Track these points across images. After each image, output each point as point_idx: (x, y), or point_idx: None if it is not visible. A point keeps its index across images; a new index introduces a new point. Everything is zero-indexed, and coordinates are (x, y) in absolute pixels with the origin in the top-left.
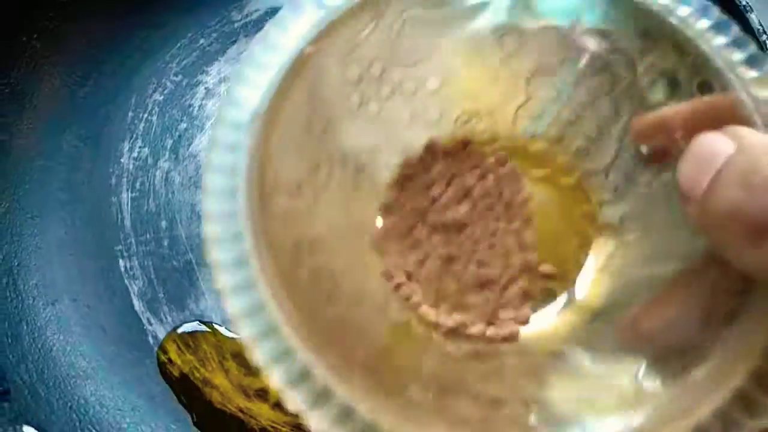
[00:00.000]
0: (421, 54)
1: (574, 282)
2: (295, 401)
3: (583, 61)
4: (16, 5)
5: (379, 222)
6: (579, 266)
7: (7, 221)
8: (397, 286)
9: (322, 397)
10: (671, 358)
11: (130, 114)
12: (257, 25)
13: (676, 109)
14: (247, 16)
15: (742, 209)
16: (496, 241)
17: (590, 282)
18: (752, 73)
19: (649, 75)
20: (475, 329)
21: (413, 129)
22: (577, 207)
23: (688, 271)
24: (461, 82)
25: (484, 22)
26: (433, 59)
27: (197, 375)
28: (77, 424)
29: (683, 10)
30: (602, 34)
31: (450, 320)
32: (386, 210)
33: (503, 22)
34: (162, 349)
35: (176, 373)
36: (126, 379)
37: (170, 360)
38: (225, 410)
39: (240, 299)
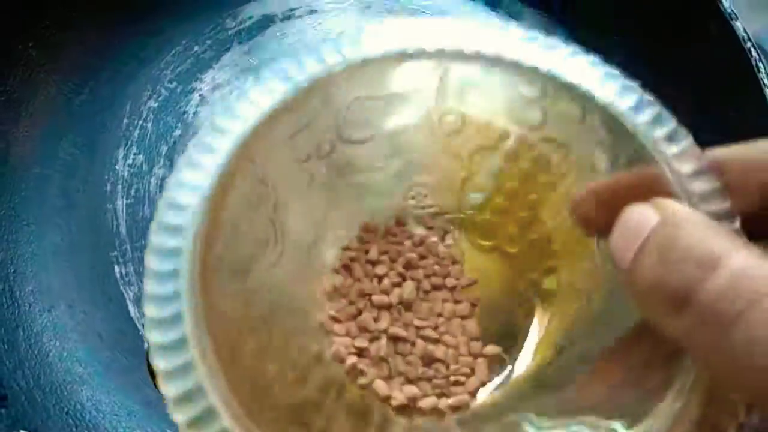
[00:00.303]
0: (369, 132)
1: (520, 351)
2: None
3: (520, 138)
4: (12, 14)
5: (327, 305)
6: (524, 335)
7: (3, 228)
8: (352, 367)
9: None
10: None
11: (125, 121)
12: (251, 32)
13: (606, 183)
14: (240, 23)
15: (661, 282)
16: (443, 323)
17: (535, 351)
18: (672, 149)
19: (583, 149)
20: (427, 402)
21: (364, 203)
22: (522, 276)
23: (626, 339)
24: (408, 158)
25: (427, 101)
26: (380, 137)
27: None
28: (74, 429)
29: (608, 91)
30: (539, 106)
31: (402, 394)
32: (331, 295)
33: (444, 105)
34: None
35: None
36: (122, 384)
37: None
38: None
39: (177, 383)
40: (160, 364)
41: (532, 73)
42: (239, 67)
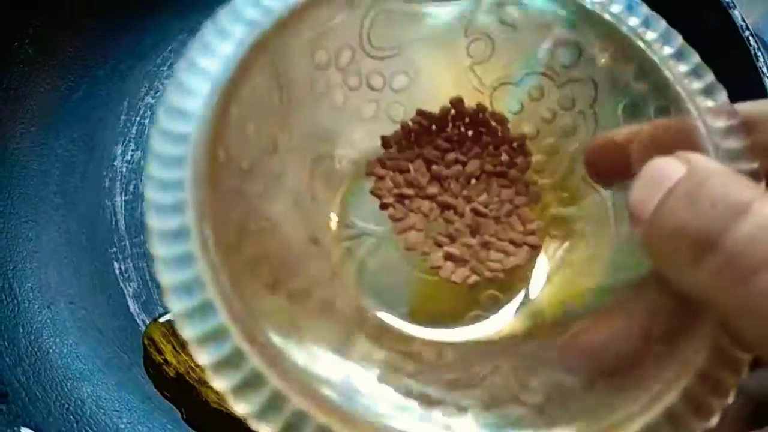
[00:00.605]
0: (391, 49)
1: (528, 282)
2: (224, 384)
3: (548, 76)
4: (8, 12)
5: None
6: (531, 268)
7: (2, 225)
8: (384, 206)
9: (253, 382)
10: (609, 376)
11: (123, 118)
12: None
13: (631, 131)
14: None
15: (686, 227)
16: (496, 204)
17: (542, 287)
18: (708, 103)
19: (611, 95)
20: (459, 274)
21: (375, 125)
22: (543, 212)
23: (631, 288)
24: (428, 83)
25: (457, 23)
26: (402, 56)
27: (193, 375)
28: (74, 425)
29: (650, 35)
30: (573, 46)
31: (438, 258)
32: (386, 142)
33: (476, 26)
34: (157, 349)
35: (172, 373)
36: (122, 380)
37: (166, 361)
38: (221, 409)
39: (176, 273)
40: (160, 251)
41: (571, 6)
42: None
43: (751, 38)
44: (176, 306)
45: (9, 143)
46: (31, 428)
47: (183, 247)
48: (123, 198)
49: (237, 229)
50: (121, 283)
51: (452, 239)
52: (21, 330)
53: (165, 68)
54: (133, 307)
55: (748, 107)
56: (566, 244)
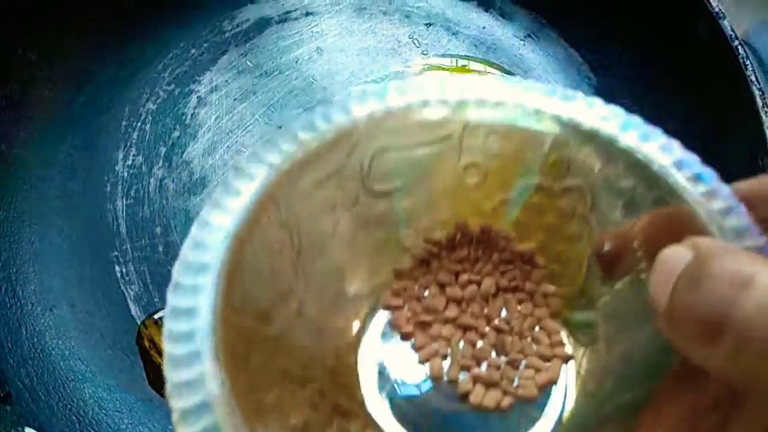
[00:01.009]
0: (393, 185)
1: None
2: None
3: (543, 189)
4: (11, 19)
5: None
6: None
7: (5, 229)
8: (405, 336)
9: None
10: None
11: (124, 123)
12: (247, 34)
13: (635, 223)
14: (237, 26)
15: (694, 308)
16: (518, 319)
17: (571, 406)
18: (700, 188)
19: (608, 197)
20: (491, 398)
21: (387, 257)
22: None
23: (668, 388)
24: (433, 211)
25: (449, 156)
26: (404, 191)
27: None
28: (77, 425)
29: (630, 137)
30: (562, 157)
31: (467, 383)
32: (398, 273)
33: (467, 156)
34: (158, 351)
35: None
36: (123, 381)
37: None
38: None
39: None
40: (177, 404)
41: (553, 121)
42: (236, 70)
43: (739, 47)
44: None
45: (11, 148)
46: (34, 429)
47: (200, 397)
48: (124, 202)
49: (258, 371)
50: (122, 286)
51: (478, 361)
52: (24, 332)
53: (166, 75)
54: (134, 309)
55: (743, 187)
56: (590, 361)
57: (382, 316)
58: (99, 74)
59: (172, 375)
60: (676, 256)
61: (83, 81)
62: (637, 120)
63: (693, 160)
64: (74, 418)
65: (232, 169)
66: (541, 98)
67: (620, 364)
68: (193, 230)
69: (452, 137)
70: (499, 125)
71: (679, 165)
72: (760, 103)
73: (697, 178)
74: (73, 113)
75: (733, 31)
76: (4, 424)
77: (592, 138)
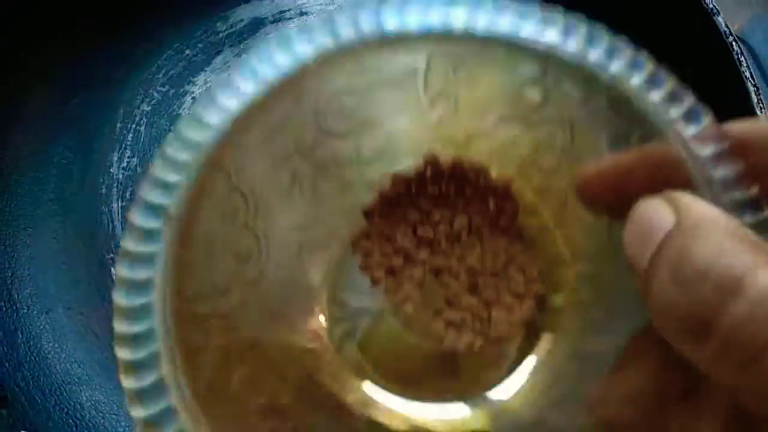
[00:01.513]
0: (352, 124)
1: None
2: None
3: (520, 119)
4: (4, 21)
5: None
6: (536, 330)
7: (1, 233)
8: (376, 280)
9: None
10: None
11: (119, 125)
12: (241, 34)
13: (616, 160)
14: (231, 26)
15: (678, 307)
16: (492, 257)
17: (548, 348)
18: (692, 129)
19: (590, 131)
20: (464, 340)
21: (354, 197)
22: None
23: (641, 340)
24: (399, 144)
25: (413, 89)
26: (365, 128)
27: None
28: (74, 429)
29: (616, 65)
30: (539, 86)
31: (439, 328)
32: (368, 213)
33: (433, 87)
34: None
35: None
36: (120, 384)
37: None
38: None
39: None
40: (137, 412)
41: (529, 51)
42: (231, 70)
43: (734, 43)
44: None
45: (6, 151)
46: None
47: (162, 406)
48: (119, 204)
49: (220, 356)
50: None
51: (451, 304)
52: (20, 335)
53: (160, 76)
54: None
55: (738, 128)
56: (569, 301)
57: (352, 264)
58: (93, 76)
59: (128, 383)
60: (654, 216)
61: (77, 83)
62: (622, 45)
63: (685, 95)
64: (71, 421)
65: (169, 136)
66: (516, 23)
67: (597, 306)
68: (134, 216)
69: (416, 72)
70: (468, 57)
71: (668, 101)
72: (755, 99)
73: (687, 118)
74: (67, 115)
75: (727, 27)
76: (1, 428)
77: (573, 70)
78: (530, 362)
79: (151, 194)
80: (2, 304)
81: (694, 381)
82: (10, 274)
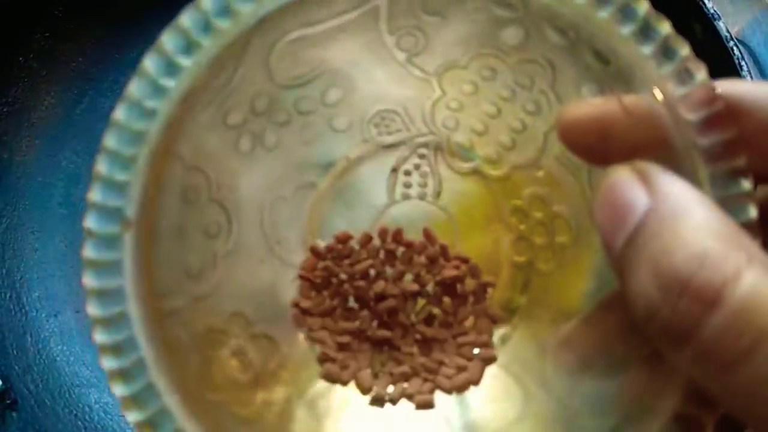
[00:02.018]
0: (309, 71)
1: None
2: None
3: (497, 56)
4: (12, 27)
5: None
6: (513, 268)
7: (9, 237)
8: (324, 358)
9: None
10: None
11: None
12: None
13: (598, 107)
14: None
15: (657, 311)
16: (441, 317)
17: (521, 286)
18: (681, 89)
19: (571, 77)
20: (419, 399)
21: (322, 145)
22: (507, 202)
23: (614, 298)
24: (366, 87)
25: (373, 25)
26: (325, 74)
27: None
28: (83, 431)
29: (603, 12)
30: (517, 25)
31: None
32: (303, 288)
33: (397, 22)
34: None
35: None
36: None
37: None
38: None
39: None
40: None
41: None
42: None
43: (735, 48)
44: None
45: (14, 155)
46: None
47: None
48: None
49: (205, 340)
50: None
51: (406, 376)
52: (29, 339)
53: None
54: None
55: (731, 89)
56: (546, 241)
57: (325, 211)
58: (100, 80)
59: (118, 390)
60: (627, 194)
61: (85, 87)
62: None
63: (680, 48)
64: (80, 423)
65: (110, 130)
66: None
67: (568, 253)
68: (89, 222)
69: (377, 11)
70: None
71: (659, 55)
72: None
73: (678, 76)
74: (74, 119)
75: (728, 31)
76: (11, 431)
77: (555, 14)
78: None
79: (101, 196)
80: (11, 307)
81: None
82: (18, 278)
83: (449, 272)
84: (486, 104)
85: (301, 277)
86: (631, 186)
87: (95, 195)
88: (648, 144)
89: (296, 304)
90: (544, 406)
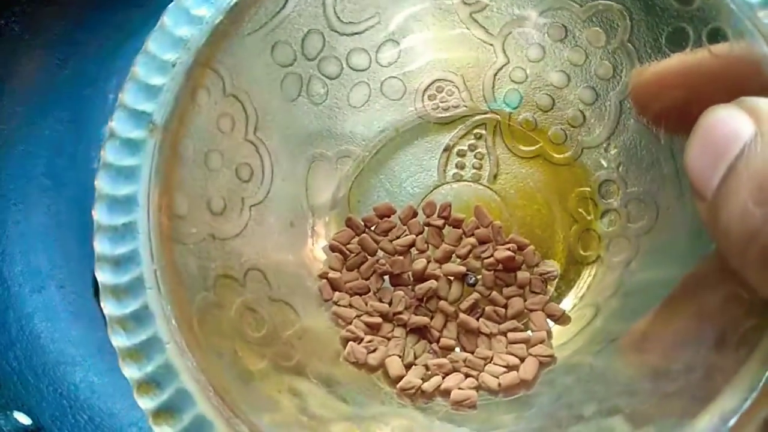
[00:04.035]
0: (368, 18)
1: (573, 285)
2: None
3: (567, 9)
4: None
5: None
6: (580, 261)
7: None
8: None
9: None
10: (680, 385)
11: (111, 96)
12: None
13: (682, 62)
14: None
15: (760, 233)
16: (492, 317)
17: (590, 282)
18: None
19: (650, 23)
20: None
21: (372, 111)
22: (573, 188)
23: (699, 277)
24: (422, 47)
25: None
26: (383, 23)
27: None
28: (68, 410)
29: None
30: None
31: (424, 382)
32: (336, 250)
33: None
34: None
35: None
36: (115, 364)
37: None
38: None
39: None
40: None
41: None
42: None
43: None
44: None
45: None
46: (24, 413)
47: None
48: None
49: (216, 283)
50: None
51: (444, 370)
52: (12, 314)
53: None
54: None
55: None
56: (617, 230)
57: (373, 182)
58: (84, 45)
59: (109, 309)
60: (728, 126)
61: (68, 53)
62: None
63: None
64: (65, 402)
65: (152, 35)
66: None
67: (646, 239)
68: (114, 124)
69: None
70: None
71: None
72: None
73: None
74: (58, 86)
75: None
76: None
77: None
78: (570, 300)
79: (132, 98)
80: None
81: (759, 327)
82: (0, 251)
83: (502, 254)
84: (554, 73)
85: (332, 247)
86: (735, 117)
87: (127, 97)
88: (744, 92)
89: (324, 276)
90: None
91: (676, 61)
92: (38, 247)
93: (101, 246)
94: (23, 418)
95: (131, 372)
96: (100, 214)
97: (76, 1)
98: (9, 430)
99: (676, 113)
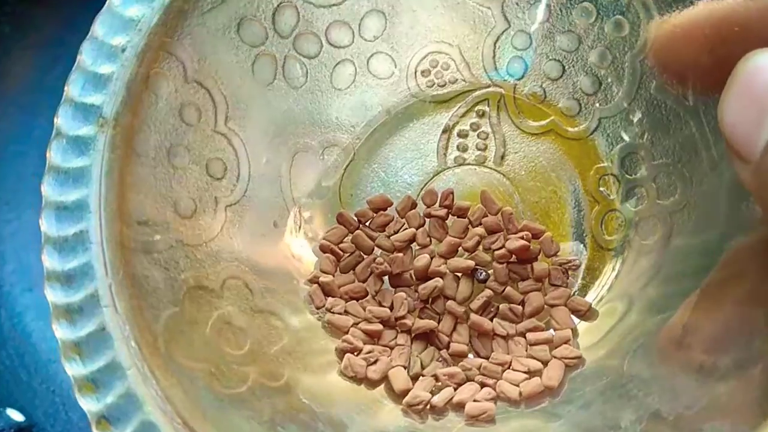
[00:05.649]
0: None
1: (597, 275)
2: None
3: None
4: None
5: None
6: (604, 247)
7: None
8: (356, 351)
9: None
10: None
11: None
12: None
13: (710, 10)
14: None
15: None
16: (506, 320)
17: (619, 270)
18: None
19: None
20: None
21: (358, 93)
22: (591, 165)
23: (744, 254)
24: (412, 18)
25: None
26: None
27: None
28: (60, 407)
29: None
30: None
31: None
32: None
33: None
34: None
35: None
36: None
37: None
38: None
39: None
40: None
41: None
42: None
43: None
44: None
45: None
46: (17, 410)
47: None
48: None
49: (186, 296)
50: None
51: (456, 380)
52: (4, 313)
53: None
54: None
55: None
56: (643, 207)
57: (366, 172)
58: (75, 45)
59: (61, 333)
60: None
61: (59, 52)
62: None
63: None
64: (57, 399)
65: (99, 16)
66: None
67: (686, 218)
68: (59, 120)
69: None
70: None
71: None
72: None
73: None
74: (49, 86)
75: None
76: None
77: None
78: (595, 292)
79: (78, 90)
80: None
81: None
82: None
83: (515, 243)
84: (561, 36)
85: (323, 248)
86: None
87: (72, 89)
88: None
89: (314, 280)
90: None
91: (702, 9)
92: (29, 246)
93: (50, 260)
94: (16, 415)
95: (89, 405)
96: (47, 224)
97: (66, 1)
98: (2, 427)
99: (704, 69)
